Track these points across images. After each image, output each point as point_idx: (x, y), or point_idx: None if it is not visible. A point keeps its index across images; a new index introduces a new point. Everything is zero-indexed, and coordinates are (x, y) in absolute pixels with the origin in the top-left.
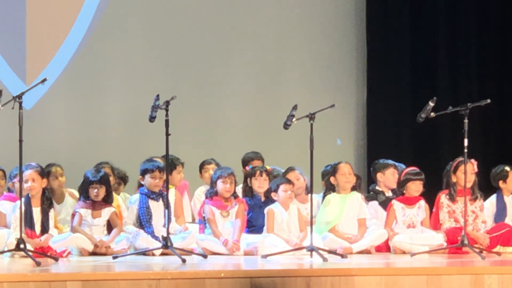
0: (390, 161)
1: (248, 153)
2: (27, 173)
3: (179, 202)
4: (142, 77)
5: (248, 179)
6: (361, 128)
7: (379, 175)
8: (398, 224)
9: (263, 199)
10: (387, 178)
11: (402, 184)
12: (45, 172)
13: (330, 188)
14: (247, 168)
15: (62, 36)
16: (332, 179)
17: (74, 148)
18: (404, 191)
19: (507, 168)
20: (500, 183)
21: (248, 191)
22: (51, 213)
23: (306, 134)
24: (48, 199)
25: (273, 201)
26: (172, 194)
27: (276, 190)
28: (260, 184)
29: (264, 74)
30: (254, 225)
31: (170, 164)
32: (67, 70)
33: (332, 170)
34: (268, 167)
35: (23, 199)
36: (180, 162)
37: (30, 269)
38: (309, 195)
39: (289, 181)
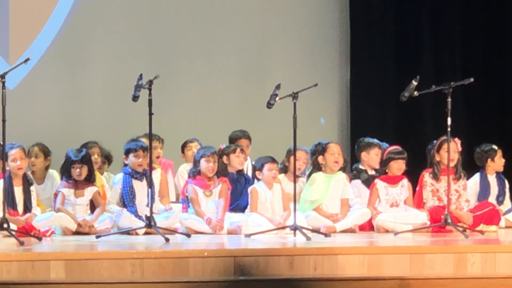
0: (375, 140)
1: (235, 132)
2: (15, 152)
3: (164, 183)
4: (125, 57)
5: (224, 156)
6: (345, 107)
7: (363, 154)
8: (381, 203)
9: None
10: (371, 158)
11: (384, 163)
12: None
13: (316, 167)
14: (222, 146)
15: (45, 15)
16: (320, 158)
17: (57, 128)
18: (387, 170)
19: (495, 147)
20: (489, 161)
21: (224, 169)
22: (33, 192)
23: (289, 113)
24: (27, 178)
25: (246, 178)
26: (158, 174)
27: (260, 169)
28: (240, 161)
29: (247, 53)
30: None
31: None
32: (50, 49)
33: (321, 149)
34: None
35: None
36: (157, 139)
37: (13, 248)
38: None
39: (274, 160)
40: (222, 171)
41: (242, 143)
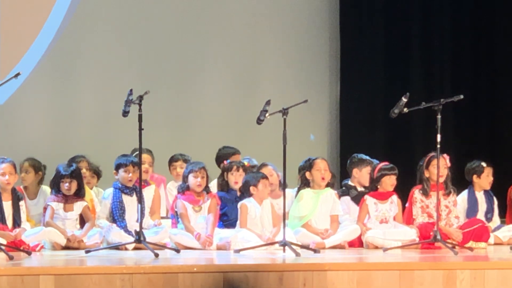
0: (368, 158)
1: (227, 148)
2: (4, 166)
3: (157, 199)
4: (115, 72)
5: (225, 173)
6: (334, 124)
7: (355, 171)
8: (371, 219)
9: (238, 193)
10: (362, 175)
11: (377, 179)
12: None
13: (304, 182)
14: (226, 162)
15: (36, 31)
16: (307, 174)
17: (47, 143)
18: (379, 186)
19: (483, 164)
20: (474, 177)
21: (225, 186)
22: (22, 207)
23: (279, 129)
24: (17, 193)
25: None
26: (151, 190)
27: (256, 185)
28: (236, 179)
29: (237, 69)
30: (230, 219)
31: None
32: (41, 64)
33: (308, 165)
34: (246, 163)
35: None
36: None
37: (2, 263)
38: (283, 190)
39: (267, 177)
40: (222, 187)
41: (234, 159)
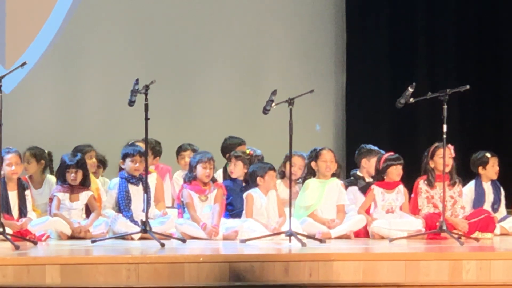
0: (376, 148)
1: (233, 138)
2: (10, 157)
3: (160, 187)
4: (122, 62)
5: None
6: (340, 114)
7: (363, 161)
8: (377, 209)
9: (243, 183)
10: (371, 165)
11: (383, 170)
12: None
13: (310, 172)
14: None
15: (42, 20)
16: (313, 164)
17: (53, 132)
18: (385, 177)
19: (488, 155)
20: (480, 169)
21: (229, 175)
22: (28, 197)
23: (285, 119)
24: (22, 182)
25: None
26: (153, 179)
27: (263, 176)
28: (231, 169)
29: (243, 58)
30: (235, 208)
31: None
32: (47, 54)
33: (314, 155)
34: (248, 151)
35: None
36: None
37: (8, 252)
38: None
39: (274, 168)
40: (227, 178)
41: (241, 149)
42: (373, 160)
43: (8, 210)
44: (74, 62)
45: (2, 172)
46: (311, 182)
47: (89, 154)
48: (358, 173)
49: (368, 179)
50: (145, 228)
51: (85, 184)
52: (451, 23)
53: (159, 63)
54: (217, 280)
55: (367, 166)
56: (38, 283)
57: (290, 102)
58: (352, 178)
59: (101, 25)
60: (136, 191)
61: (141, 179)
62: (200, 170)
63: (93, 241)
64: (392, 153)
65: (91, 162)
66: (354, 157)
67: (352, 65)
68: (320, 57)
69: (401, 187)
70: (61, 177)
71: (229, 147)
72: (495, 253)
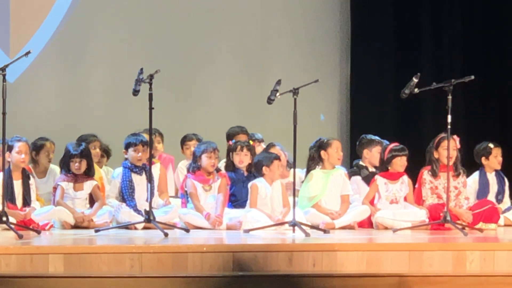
0: (377, 138)
1: (233, 127)
2: (21, 145)
3: (163, 177)
4: (126, 51)
5: (231, 153)
6: (345, 104)
7: (365, 151)
8: (381, 199)
9: (245, 173)
10: (373, 155)
11: (388, 161)
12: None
13: (315, 161)
14: (231, 142)
15: (46, 9)
16: (322, 153)
17: (57, 121)
18: (389, 167)
19: (491, 145)
20: (483, 159)
21: (231, 166)
22: (32, 186)
23: (289, 109)
24: (26, 172)
25: (256, 175)
26: (157, 168)
27: (269, 165)
28: (240, 159)
29: (248, 48)
30: (238, 199)
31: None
32: (51, 43)
33: (324, 144)
34: (251, 141)
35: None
36: (159, 134)
37: (12, 241)
38: (291, 170)
39: (280, 158)
40: (228, 167)
41: (239, 139)
42: (375, 150)
43: (12, 199)
44: (79, 51)
45: (8, 160)
46: (315, 172)
47: (93, 143)
48: (361, 163)
49: (371, 169)
50: (149, 217)
51: (89, 173)
52: (457, 13)
53: (163, 52)
54: (220, 270)
55: (369, 156)
56: (41, 272)
57: (295, 92)
58: (355, 167)
59: (106, 14)
60: (139, 181)
61: (144, 169)
62: (205, 160)
63: (96, 231)
64: (397, 144)
65: (95, 151)
66: (356, 148)
67: (356, 55)
68: (324, 47)
69: (405, 178)
70: (65, 167)
71: (229, 137)
72: (499, 243)
